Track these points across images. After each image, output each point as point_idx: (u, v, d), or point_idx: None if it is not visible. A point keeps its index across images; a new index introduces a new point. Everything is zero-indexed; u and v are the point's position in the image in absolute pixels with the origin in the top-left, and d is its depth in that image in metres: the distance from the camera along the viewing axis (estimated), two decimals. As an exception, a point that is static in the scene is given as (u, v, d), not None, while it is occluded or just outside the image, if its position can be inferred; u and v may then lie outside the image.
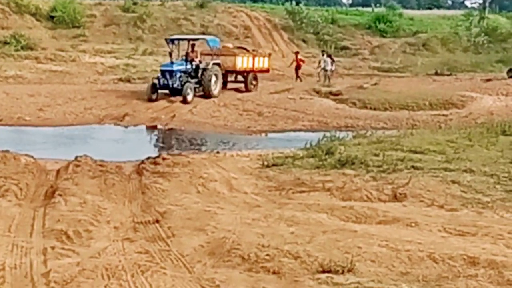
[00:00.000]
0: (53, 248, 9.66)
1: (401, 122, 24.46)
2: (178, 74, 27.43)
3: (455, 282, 8.18)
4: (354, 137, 18.63)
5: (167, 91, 27.62)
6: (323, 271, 8.49)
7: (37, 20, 41.63)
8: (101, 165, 15.21)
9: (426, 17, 55.85)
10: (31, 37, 37.40)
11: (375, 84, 31.73)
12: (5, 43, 36.62)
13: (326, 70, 33.21)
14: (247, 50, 31.71)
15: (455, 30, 49.05)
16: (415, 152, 15.43)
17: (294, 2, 50.97)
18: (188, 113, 25.10)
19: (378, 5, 63.84)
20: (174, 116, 24.72)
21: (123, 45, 40.14)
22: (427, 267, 8.65)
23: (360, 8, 61.40)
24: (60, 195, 12.45)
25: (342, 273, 8.39)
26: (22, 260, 9.20)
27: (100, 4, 45.61)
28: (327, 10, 53.33)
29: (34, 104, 25.36)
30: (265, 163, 15.48)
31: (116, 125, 23.93)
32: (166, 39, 29.79)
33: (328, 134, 18.41)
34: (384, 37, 47.70)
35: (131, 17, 43.57)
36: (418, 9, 79.01)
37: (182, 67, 27.88)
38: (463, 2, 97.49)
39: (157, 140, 23.21)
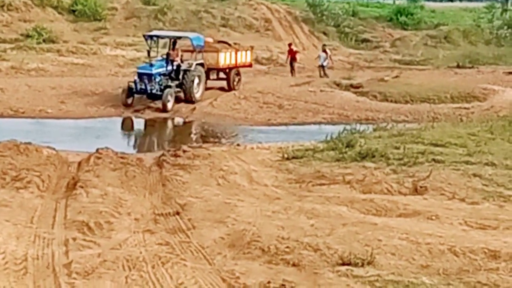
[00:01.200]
0: (74, 239, 9.75)
1: (422, 115, 24.31)
2: (158, 78, 24.61)
3: (476, 275, 8.16)
4: (374, 130, 18.57)
5: (144, 96, 24.98)
6: (343, 264, 8.50)
7: (59, 13, 41.79)
8: (122, 157, 15.31)
9: (448, 10, 55.41)
10: (53, 30, 37.54)
11: (396, 76, 31.50)
12: (27, 36, 36.81)
13: (320, 66, 32.09)
14: (229, 44, 28.89)
15: (477, 23, 48.53)
16: (436, 145, 15.37)
17: (315, -5, 50.76)
18: (208, 106, 25.12)
19: (399, -3, 63.41)
20: (194, 108, 24.76)
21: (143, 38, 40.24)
22: (447, 260, 8.63)
23: (381, 1, 60.92)
24: (82, 187, 12.56)
25: (362, 265, 8.40)
26: (44, 251, 9.30)
27: (121, -3, 45.76)
28: (348, 3, 53.00)
29: (55, 97, 25.50)
30: (285, 155, 15.49)
31: (137, 118, 24.00)
32: (144, 35, 27.13)
33: (348, 127, 18.38)
34: (405, 29, 47.32)
35: (152, 9, 43.61)
36: (440, 1, 78.47)
37: (162, 69, 24.93)
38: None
39: (177, 132, 23.26)
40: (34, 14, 40.37)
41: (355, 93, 27.54)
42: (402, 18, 48.24)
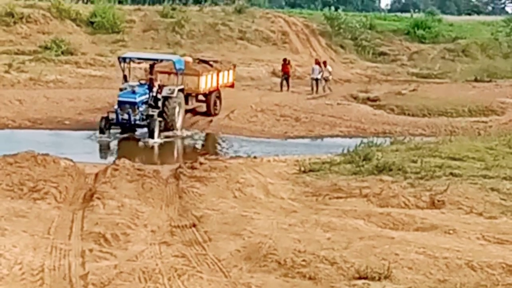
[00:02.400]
0: (91, 250, 9.78)
1: (439, 128, 24.24)
2: (142, 107, 21.83)
3: (493, 290, 8.10)
4: (391, 143, 18.52)
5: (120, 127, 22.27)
6: (360, 278, 8.46)
7: (77, 25, 42.05)
8: (139, 169, 15.34)
9: (466, 23, 55.24)
10: (71, 42, 37.79)
11: (414, 90, 31.43)
12: (46, 48, 37.03)
13: (313, 79, 31.23)
14: (210, 64, 26.12)
15: (495, 36, 48.35)
16: (454, 159, 15.29)
17: (332, 8, 50.80)
18: (225, 118, 25.14)
19: (417, 10, 63.27)
20: (211, 121, 24.80)
21: (161, 50, 40.27)
22: (465, 275, 8.57)
23: (398, 14, 60.92)
24: (99, 198, 12.60)
25: (379, 279, 8.36)
26: (60, 262, 9.33)
27: (139, 9, 45.92)
28: (365, 16, 52.98)
29: (73, 108, 25.66)
30: (302, 168, 15.47)
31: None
32: (118, 57, 24.37)
33: (365, 140, 18.34)
34: (423, 43, 47.24)
35: (170, 22, 43.77)
36: (458, 15, 78.27)
37: (145, 97, 22.11)
38: (503, 8, 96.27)
39: (193, 145, 23.27)
40: (52, 26, 40.62)
41: (372, 106, 27.52)
42: (420, 32, 48.14)
